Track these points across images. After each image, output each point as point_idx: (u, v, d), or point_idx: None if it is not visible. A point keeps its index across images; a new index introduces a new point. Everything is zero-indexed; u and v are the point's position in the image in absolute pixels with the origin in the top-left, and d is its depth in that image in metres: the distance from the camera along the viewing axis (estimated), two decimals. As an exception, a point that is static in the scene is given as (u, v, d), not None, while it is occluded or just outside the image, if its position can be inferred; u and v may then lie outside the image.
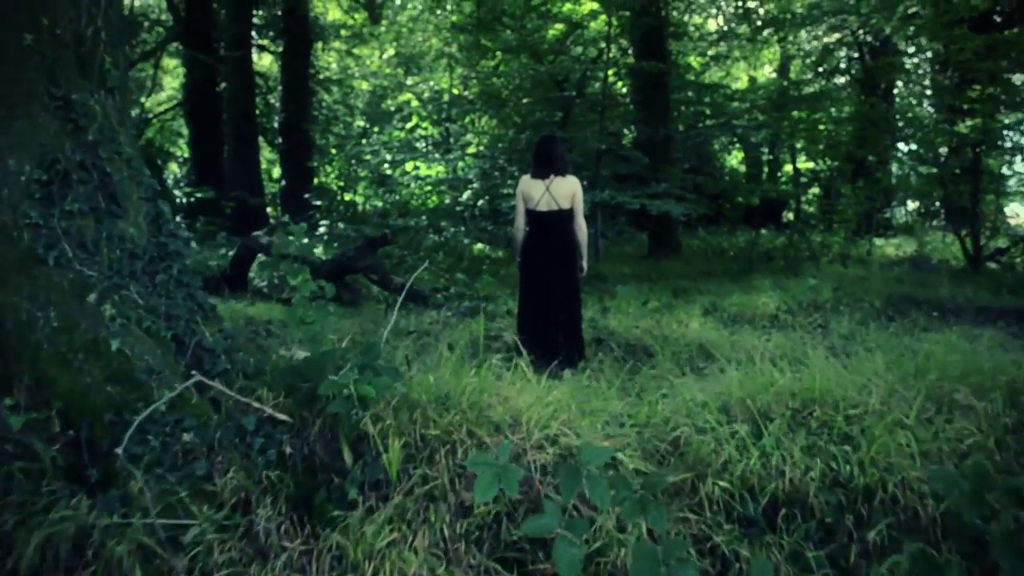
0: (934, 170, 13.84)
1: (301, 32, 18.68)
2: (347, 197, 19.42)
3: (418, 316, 8.68)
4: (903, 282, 10.55)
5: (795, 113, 15.11)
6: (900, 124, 14.66)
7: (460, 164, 15.21)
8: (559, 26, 15.56)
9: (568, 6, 15.54)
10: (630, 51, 15.50)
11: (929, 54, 15.85)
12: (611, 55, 13.28)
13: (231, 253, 11.85)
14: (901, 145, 17.97)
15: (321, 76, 23.72)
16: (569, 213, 6.07)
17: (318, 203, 16.51)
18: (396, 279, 9.46)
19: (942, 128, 11.75)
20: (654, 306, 8.52)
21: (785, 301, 8.81)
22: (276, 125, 19.80)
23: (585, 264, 6.34)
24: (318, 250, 13.53)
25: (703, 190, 13.65)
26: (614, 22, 13.31)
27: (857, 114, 13.73)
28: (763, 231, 20.26)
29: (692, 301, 9.51)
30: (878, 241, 15.17)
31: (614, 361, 6.44)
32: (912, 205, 20.90)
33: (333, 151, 20.90)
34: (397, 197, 17.99)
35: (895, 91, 19.95)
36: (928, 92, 22.25)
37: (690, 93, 18.60)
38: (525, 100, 15.09)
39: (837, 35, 22.40)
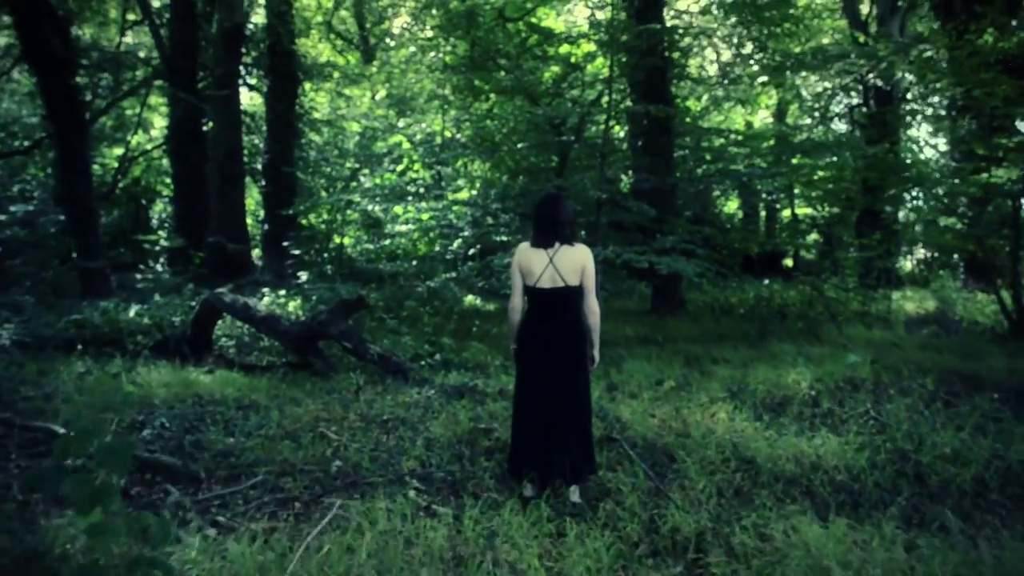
0: (954, 221, 12.53)
1: (287, 71, 17.43)
2: (336, 240, 18.10)
3: (395, 395, 7.26)
4: (941, 351, 9.17)
5: (794, 160, 13.84)
6: (909, 172, 13.38)
7: (453, 210, 13.84)
8: (555, 68, 14.31)
9: (565, 47, 14.30)
10: (629, 94, 14.24)
11: (945, 100, 14.61)
12: (612, 98, 11.98)
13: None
14: (907, 194, 16.85)
15: (311, 116, 22.49)
16: (578, 291, 4.70)
17: (296, 252, 15.09)
18: (372, 348, 8.05)
19: (974, 178, 10.42)
20: (670, 386, 7.13)
21: (819, 379, 7.41)
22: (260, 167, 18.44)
23: (597, 354, 4.93)
24: (294, 304, 12.12)
25: (711, 243, 12.33)
26: (615, 65, 12.05)
27: (863, 161, 12.41)
28: (767, 281, 19.00)
29: (710, 375, 8.11)
30: (894, 295, 13.80)
31: (630, 469, 5.06)
32: (919, 254, 19.63)
33: (323, 193, 19.55)
34: (387, 242, 16.62)
35: (902, 138, 18.75)
36: (939, 139, 21.19)
37: (688, 139, 17.41)
38: (520, 144, 13.77)
39: (839, 80, 21.38)
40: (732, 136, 11.98)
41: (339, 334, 8.13)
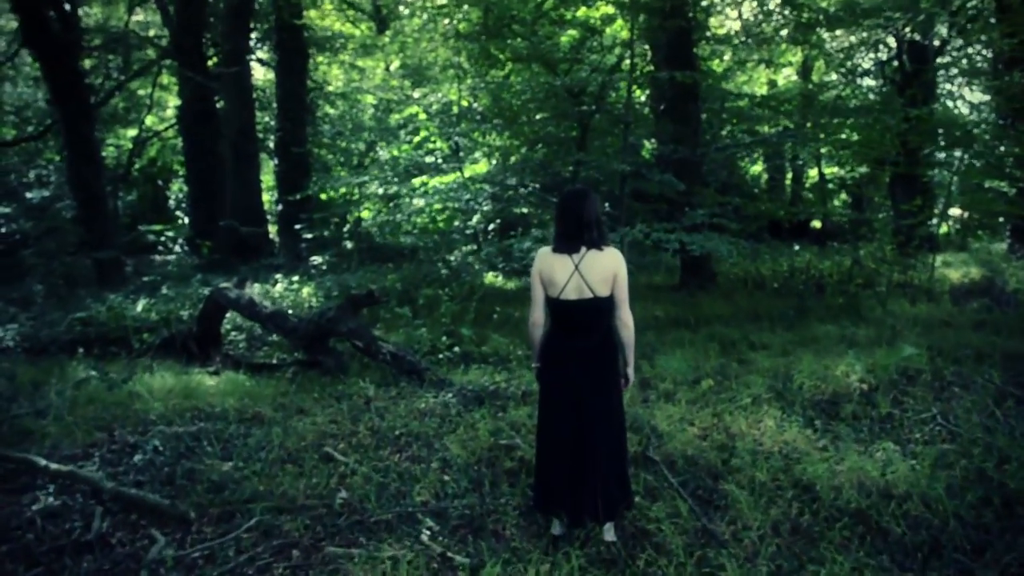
0: (1001, 183, 11.62)
1: (296, 46, 16.63)
2: (353, 215, 17.39)
3: (410, 400, 6.61)
4: (999, 331, 8.37)
5: (823, 120, 12.89)
6: (953, 132, 12.40)
7: (469, 188, 13.05)
8: (573, 32, 13.39)
9: (583, 10, 13.35)
10: (651, 58, 13.31)
11: (989, 53, 13.56)
12: (633, 62, 11.10)
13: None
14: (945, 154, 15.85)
15: (326, 90, 21.72)
16: (608, 302, 4.00)
17: (309, 236, 14.42)
18: (385, 346, 7.39)
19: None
20: (708, 385, 6.41)
21: (871, 371, 6.66)
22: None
23: (632, 372, 4.23)
24: (308, 290, 11.49)
25: (741, 212, 11.51)
26: (636, 27, 11.15)
27: (904, 124, 11.46)
28: (797, 247, 18.11)
29: (750, 365, 7.39)
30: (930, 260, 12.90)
31: (670, 498, 4.39)
32: (955, 214, 18.58)
33: (338, 169, 18.81)
34: (405, 217, 15.88)
35: (938, 95, 17.65)
36: (975, 94, 20.01)
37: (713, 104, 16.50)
38: (538, 116, 12.94)
39: (869, 34, 20.21)
40: (759, 100, 11.07)
41: (349, 332, 7.48)
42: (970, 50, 17.48)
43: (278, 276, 11.86)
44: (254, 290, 11.63)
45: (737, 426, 5.52)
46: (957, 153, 13.67)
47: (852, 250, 11.85)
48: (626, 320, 4.04)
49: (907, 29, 13.57)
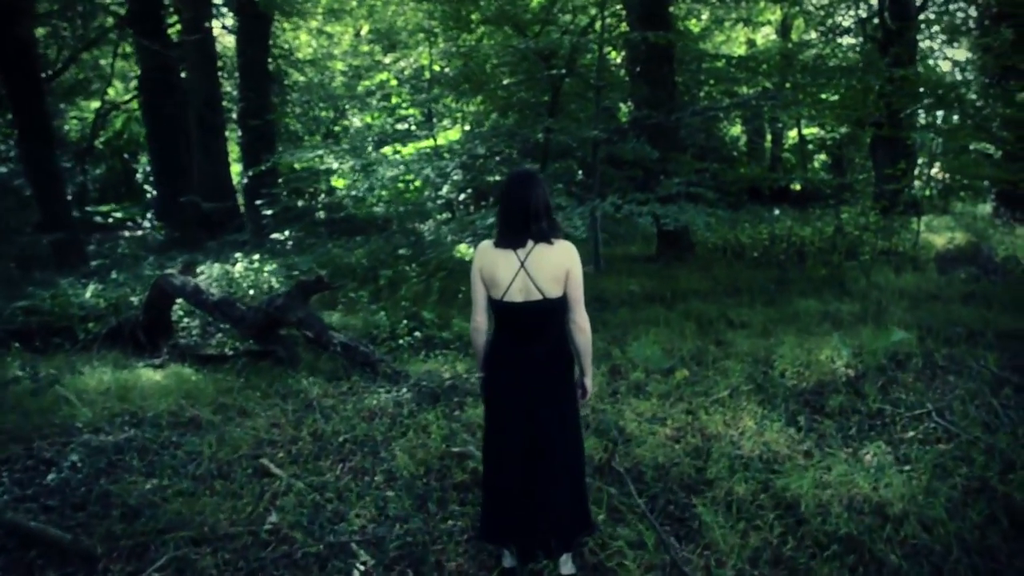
0: (987, 146, 11.04)
1: (255, 11, 15.71)
2: (323, 186, 16.62)
3: (361, 397, 6.02)
4: (990, 304, 7.84)
5: (802, 80, 12.21)
6: (939, 91, 11.76)
7: (442, 156, 12.33)
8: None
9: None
10: (625, 17, 12.55)
11: (973, 10, 12.89)
12: (605, 22, 10.39)
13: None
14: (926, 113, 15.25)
15: (293, 56, 20.78)
16: (560, 304, 3.41)
17: (269, 212, 13.66)
18: (337, 336, 6.77)
19: (1020, 96, 8.90)
20: (682, 376, 5.84)
21: (859, 357, 6.11)
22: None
23: (590, 383, 3.64)
24: (269, 269, 10.80)
25: (719, 179, 10.89)
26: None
27: (887, 85, 10.80)
28: (777, 212, 17.54)
29: (728, 348, 6.83)
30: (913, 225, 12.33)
31: (637, 523, 3.85)
32: (936, 175, 18.00)
33: (308, 139, 17.99)
34: (378, 187, 15.12)
35: (921, 53, 16.99)
36: (956, 51, 19.35)
37: (691, 65, 15.78)
38: (506, 81, 12.21)
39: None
40: (736, 60, 10.37)
41: (298, 321, 6.85)
42: (952, 6, 16.83)
43: (238, 255, 11.14)
44: (213, 271, 10.97)
45: (713, 426, 4.96)
46: (940, 114, 13.09)
47: (834, 216, 11.24)
48: (581, 324, 3.45)
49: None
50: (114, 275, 10.28)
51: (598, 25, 11.51)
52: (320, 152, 9.07)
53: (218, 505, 4.32)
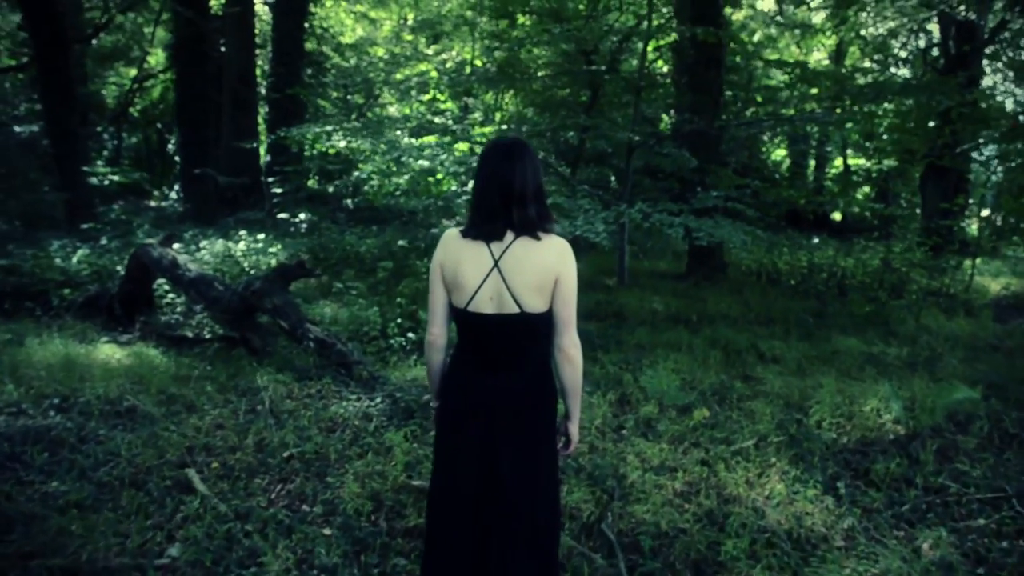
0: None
1: (294, -16, 14.94)
2: (352, 172, 15.77)
3: (326, 404, 5.10)
4: (1062, 362, 6.73)
5: (855, 106, 11.09)
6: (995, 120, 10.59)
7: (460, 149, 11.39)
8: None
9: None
10: (673, 22, 11.54)
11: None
12: (652, 22, 9.39)
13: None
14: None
15: (336, 39, 19.99)
16: (543, 321, 2.47)
17: (279, 190, 12.80)
18: (313, 330, 5.86)
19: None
20: (701, 416, 4.83)
21: (909, 412, 5.07)
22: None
23: (575, 430, 2.68)
24: (275, 249, 9.94)
25: (760, 198, 9.85)
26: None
27: (952, 98, 9.65)
28: (816, 240, 16.39)
29: (757, 386, 5.81)
30: (967, 266, 11.15)
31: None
32: (987, 215, 16.72)
33: (334, 122, 17.13)
34: (403, 179, 14.25)
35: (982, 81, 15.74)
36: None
37: (737, 76, 14.73)
38: (540, 73, 11.27)
39: (909, 20, 18.38)
40: (793, 71, 9.36)
41: (273, 309, 5.96)
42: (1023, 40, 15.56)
43: (242, 233, 10.31)
44: (216, 247, 10.16)
45: (734, 485, 3.96)
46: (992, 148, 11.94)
47: (884, 249, 10.12)
48: (570, 351, 2.49)
49: (961, 7, 11.68)
50: (104, 241, 9.47)
51: (644, 25, 10.55)
52: (329, 128, 8.21)
53: (114, 525, 3.44)
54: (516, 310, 2.41)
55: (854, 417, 5.05)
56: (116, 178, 9.89)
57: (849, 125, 15.86)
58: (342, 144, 8.02)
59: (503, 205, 2.41)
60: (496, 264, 2.41)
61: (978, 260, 11.83)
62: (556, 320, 2.47)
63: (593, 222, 6.99)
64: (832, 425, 4.96)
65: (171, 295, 8.04)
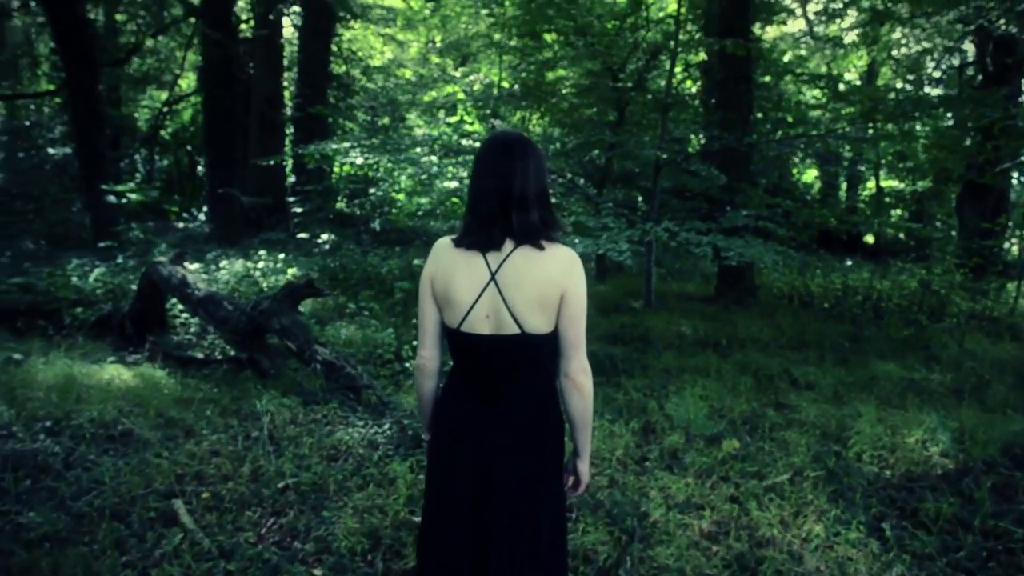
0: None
1: (320, 6, 14.83)
2: (377, 193, 15.60)
3: (332, 429, 4.77)
4: (1120, 391, 6.22)
5: (889, 126, 10.65)
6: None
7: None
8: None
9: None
10: (701, 39, 11.18)
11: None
12: (679, 38, 9.06)
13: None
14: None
15: (364, 61, 19.92)
16: (548, 344, 2.12)
17: (299, 210, 12.60)
18: (321, 351, 5.56)
19: None
20: (731, 447, 4.43)
21: (959, 445, 4.62)
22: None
23: (586, 469, 2.31)
24: (292, 271, 9.70)
25: (791, 219, 9.42)
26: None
27: (997, 111, 9.20)
28: (849, 262, 15.85)
29: (790, 414, 5.39)
30: (1011, 287, 10.58)
31: None
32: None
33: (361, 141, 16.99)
34: (427, 200, 14.01)
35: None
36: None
37: (768, 94, 14.31)
38: (565, 90, 10.97)
39: (944, 39, 17.91)
40: (827, 84, 8.97)
41: (281, 329, 5.67)
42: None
43: (262, 253, 10.09)
44: (235, 267, 9.94)
45: (767, 525, 3.56)
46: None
47: (925, 271, 9.60)
48: (577, 378, 2.13)
49: (1001, 20, 11.22)
50: (120, 260, 9.29)
51: (672, 43, 10.23)
52: (346, 145, 7.96)
53: (84, 563, 3.12)
54: (516, 330, 2.07)
55: (897, 449, 4.62)
56: (134, 196, 9.72)
57: (883, 144, 15.37)
58: (359, 161, 7.75)
59: (501, 209, 2.08)
60: (493, 277, 2.08)
61: (995, 282, 11.26)
62: (562, 342, 2.12)
63: (617, 240, 6.63)
64: (874, 458, 4.54)
65: (184, 315, 7.79)
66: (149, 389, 5.47)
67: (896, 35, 20.31)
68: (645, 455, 4.52)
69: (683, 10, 9.61)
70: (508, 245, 2.08)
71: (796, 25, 23.33)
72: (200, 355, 6.73)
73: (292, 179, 14.80)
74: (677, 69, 10.48)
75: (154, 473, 3.97)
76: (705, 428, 4.64)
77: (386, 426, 4.82)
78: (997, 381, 6.37)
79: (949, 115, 13.03)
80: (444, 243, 2.19)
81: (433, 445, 2.33)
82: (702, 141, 13.18)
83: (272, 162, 8.33)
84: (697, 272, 13.24)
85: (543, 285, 2.05)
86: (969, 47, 19.04)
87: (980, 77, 14.60)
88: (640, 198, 13.56)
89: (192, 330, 7.63)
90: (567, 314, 2.09)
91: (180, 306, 7.74)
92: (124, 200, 9.97)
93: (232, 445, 4.45)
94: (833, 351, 7.35)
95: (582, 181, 13.05)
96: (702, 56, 15.67)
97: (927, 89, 20.57)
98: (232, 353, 6.48)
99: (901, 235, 21.50)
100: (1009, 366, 6.97)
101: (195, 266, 10.09)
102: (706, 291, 10.93)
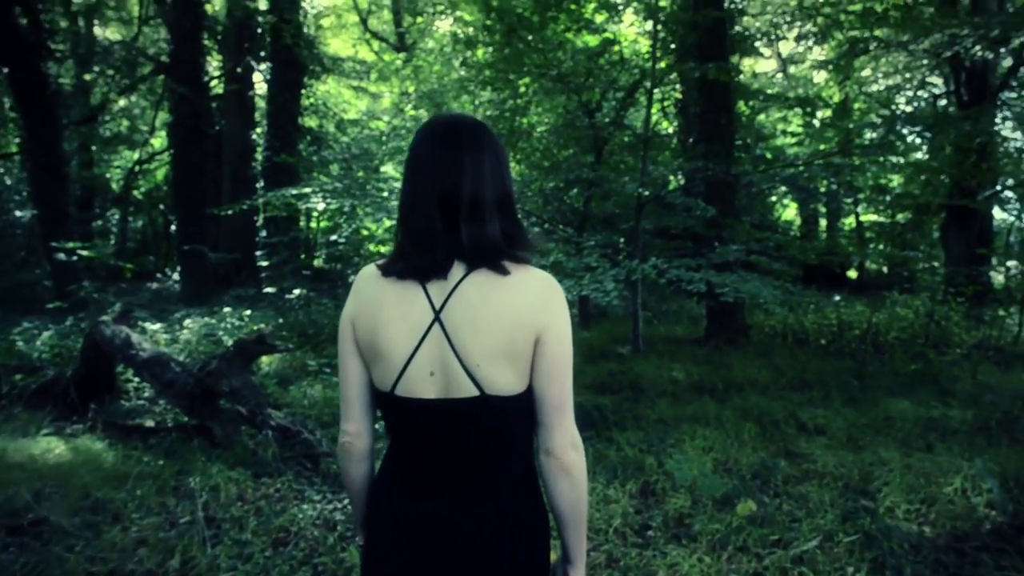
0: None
1: (290, 57, 14.38)
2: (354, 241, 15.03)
3: (285, 505, 4.06)
4: None
5: (858, 160, 10.30)
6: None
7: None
8: (589, 39, 10.88)
9: (602, 15, 10.89)
10: (682, 65, 10.74)
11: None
12: (659, 67, 8.59)
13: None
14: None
15: (338, 116, 19.48)
16: (520, 408, 1.45)
17: (265, 263, 11.94)
18: (275, 415, 4.86)
19: None
20: (746, 510, 3.74)
21: (1008, 492, 3.97)
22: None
23: (579, 575, 1.62)
24: (259, 326, 8.99)
25: (784, 252, 8.86)
26: (660, 28, 8.68)
27: (980, 134, 8.86)
28: (837, 297, 15.31)
29: (804, 463, 4.72)
30: (1000, 313, 10.03)
31: None
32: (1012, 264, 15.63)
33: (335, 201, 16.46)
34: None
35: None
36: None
37: (746, 134, 13.99)
38: (540, 130, 10.46)
39: (916, 71, 17.80)
40: (806, 108, 8.63)
41: (231, 392, 4.97)
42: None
43: (227, 309, 9.39)
44: (197, 326, 9.21)
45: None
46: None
47: (928, 302, 9.01)
48: (564, 456, 1.48)
49: (976, 49, 10.88)
50: (69, 321, 8.56)
51: (647, 83, 9.81)
52: (308, 190, 7.35)
53: None
54: (473, 392, 1.42)
55: (936, 502, 3.95)
56: (85, 253, 9.02)
57: (859, 179, 15.02)
58: (321, 206, 7.13)
59: (446, 221, 1.44)
60: (437, 317, 1.43)
61: (1000, 309, 10.72)
62: (540, 405, 1.47)
63: (602, 280, 6.00)
64: (910, 514, 3.87)
65: (136, 379, 7.07)
66: (81, 465, 4.74)
67: (867, 72, 20.21)
68: (647, 522, 3.83)
69: (660, 36, 9.16)
70: (458, 270, 1.44)
71: (768, 65, 23.28)
72: (151, 422, 6.01)
73: (264, 233, 14.14)
74: (653, 109, 10.02)
75: (56, 574, 3.23)
76: (713, 488, 3.95)
77: (346, 500, 4.11)
78: (1022, 415, 5.74)
79: (925, 147, 12.72)
80: (369, 273, 1.54)
81: (366, 554, 1.65)
82: (681, 181, 12.74)
83: (231, 211, 7.69)
84: (684, 314, 12.63)
85: (509, 325, 1.41)
86: (938, 80, 18.94)
87: (953, 109, 14.31)
88: (622, 240, 13.02)
89: (146, 394, 6.90)
90: (546, 365, 1.45)
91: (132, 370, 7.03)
92: (75, 257, 9.26)
93: (164, 531, 3.73)
94: (839, 390, 6.70)
95: (561, 227, 12.56)
96: (677, 95, 15.34)
97: (900, 124, 20.37)
98: (184, 420, 5.76)
99: (884, 268, 21.13)
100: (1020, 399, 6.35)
101: (157, 326, 9.39)
102: (695, 333, 10.30)
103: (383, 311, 1.46)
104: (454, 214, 1.44)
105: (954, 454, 4.68)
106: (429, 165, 1.47)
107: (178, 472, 4.62)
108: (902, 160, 11.70)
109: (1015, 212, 13.53)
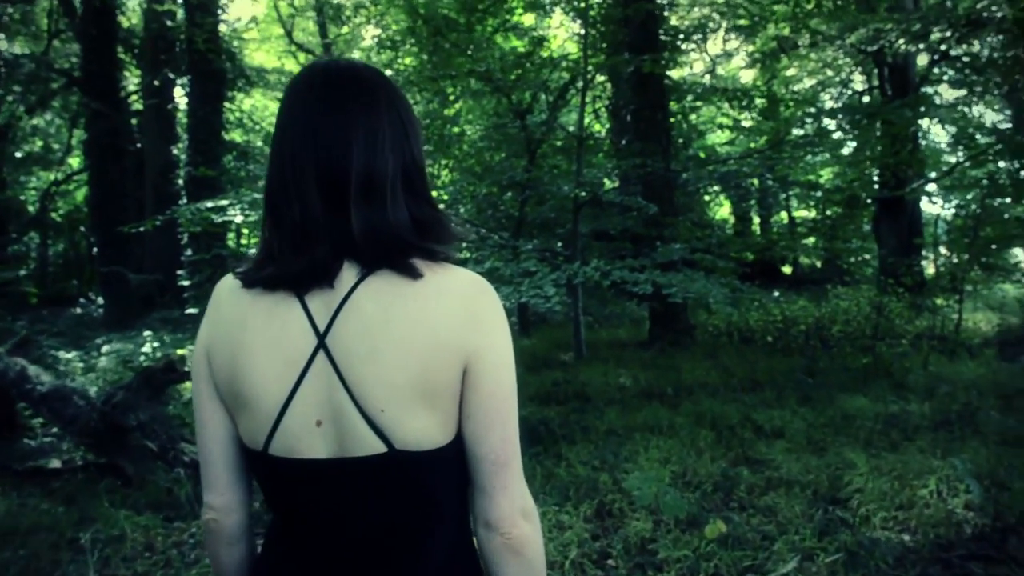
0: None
1: (209, 68, 13.69)
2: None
3: (199, 557, 3.53)
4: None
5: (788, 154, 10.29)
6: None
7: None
8: (517, 43, 10.55)
9: (530, 18, 10.58)
10: (616, 58, 10.49)
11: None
12: (591, 63, 8.26)
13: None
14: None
15: (265, 129, 18.78)
16: (445, 465, 0.99)
17: (186, 283, 11.28)
18: (190, 449, 4.31)
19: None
20: (716, 532, 3.36)
21: (986, 492, 3.68)
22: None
23: None
24: (183, 352, 8.33)
25: (726, 249, 8.60)
26: (590, 27, 8.36)
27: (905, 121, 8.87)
28: (776, 293, 15.29)
29: (766, 470, 4.38)
30: (939, 302, 9.98)
31: None
32: (943, 252, 15.84)
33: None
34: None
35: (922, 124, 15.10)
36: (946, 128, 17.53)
37: (677, 135, 13.83)
38: (470, 133, 10.06)
39: (840, 69, 17.96)
40: (740, 98, 8.50)
41: (139, 426, 4.40)
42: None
43: (147, 334, 8.71)
44: (116, 351, 8.52)
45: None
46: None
47: (875, 294, 8.87)
48: (511, 529, 1.02)
49: (900, 42, 10.89)
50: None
51: (582, 74, 9.49)
52: (224, 202, 6.78)
53: None
54: (377, 447, 0.97)
55: (913, 507, 3.64)
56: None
57: (807, 159, 15.12)
58: (239, 219, 6.56)
59: (329, 205, 0.99)
60: (322, 342, 0.98)
61: (940, 298, 10.73)
62: (476, 463, 1.03)
63: (541, 285, 5.60)
64: (888, 522, 3.54)
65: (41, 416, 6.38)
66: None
67: (792, 71, 20.36)
68: (606, 550, 3.42)
69: (591, 34, 8.85)
70: (349, 275, 0.99)
71: (697, 67, 23.31)
72: (57, 463, 5.36)
73: (188, 252, 13.39)
74: (586, 111, 9.72)
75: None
76: (677, 508, 3.55)
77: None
78: (981, 405, 5.53)
79: (853, 142, 12.76)
80: (226, 285, 1.08)
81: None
82: (617, 183, 12.51)
83: (143, 228, 7.07)
84: (626, 316, 12.35)
85: (424, 350, 0.96)
86: (861, 78, 19.22)
87: (880, 103, 14.43)
88: (560, 244, 12.71)
89: (54, 431, 6.23)
90: (480, 405, 1.01)
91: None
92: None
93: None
94: (792, 389, 6.43)
95: (496, 236, 12.19)
96: (608, 96, 15.12)
97: (827, 121, 20.60)
98: (95, 458, 5.15)
99: (818, 263, 21.29)
100: (982, 388, 6.17)
101: (72, 354, 8.68)
102: (639, 336, 9.99)
103: (246, 338, 1.00)
104: (341, 196, 0.99)
105: (922, 452, 4.40)
106: (304, 130, 1.02)
107: (78, 521, 4.05)
108: (827, 156, 11.72)
109: (941, 203, 13.69)
